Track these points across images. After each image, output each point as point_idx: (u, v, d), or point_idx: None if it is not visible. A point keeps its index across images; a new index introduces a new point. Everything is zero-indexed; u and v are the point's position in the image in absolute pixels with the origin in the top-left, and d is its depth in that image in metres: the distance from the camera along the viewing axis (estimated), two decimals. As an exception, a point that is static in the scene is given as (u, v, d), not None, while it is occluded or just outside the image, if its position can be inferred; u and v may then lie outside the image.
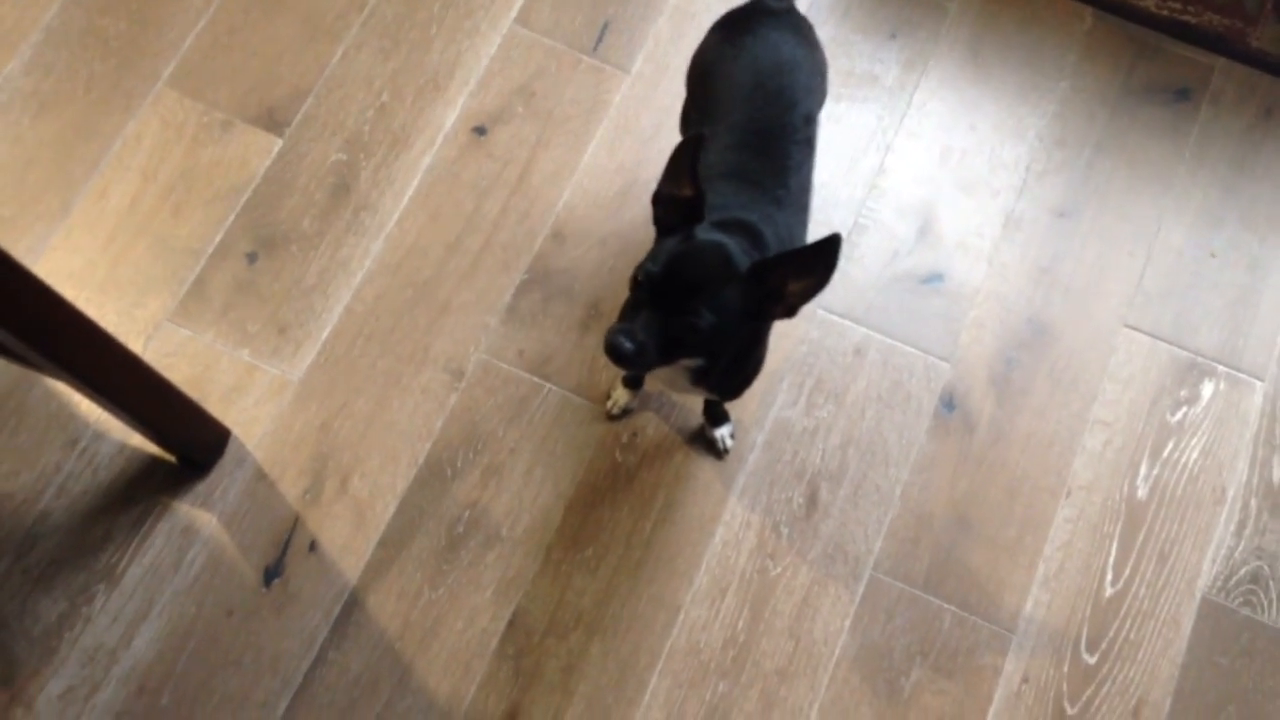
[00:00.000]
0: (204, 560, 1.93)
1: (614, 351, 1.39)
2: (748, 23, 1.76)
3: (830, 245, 1.36)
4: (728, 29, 1.78)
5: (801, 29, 1.78)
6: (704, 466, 2.04)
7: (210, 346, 2.08)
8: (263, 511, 1.97)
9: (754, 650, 1.93)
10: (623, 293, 2.11)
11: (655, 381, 1.72)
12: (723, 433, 2.02)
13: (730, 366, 1.62)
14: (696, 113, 1.81)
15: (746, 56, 1.72)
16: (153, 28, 2.30)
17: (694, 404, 2.05)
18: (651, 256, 1.44)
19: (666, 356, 1.43)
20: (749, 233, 1.55)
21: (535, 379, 2.08)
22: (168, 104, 2.24)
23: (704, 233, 1.45)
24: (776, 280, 1.42)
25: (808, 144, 1.72)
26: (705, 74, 1.79)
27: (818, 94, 1.78)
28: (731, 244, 1.44)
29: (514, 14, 2.35)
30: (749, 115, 1.68)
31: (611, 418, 2.05)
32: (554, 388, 2.07)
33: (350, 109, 2.26)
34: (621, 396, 2.02)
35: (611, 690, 1.90)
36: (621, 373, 1.99)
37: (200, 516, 1.96)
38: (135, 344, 2.06)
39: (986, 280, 2.18)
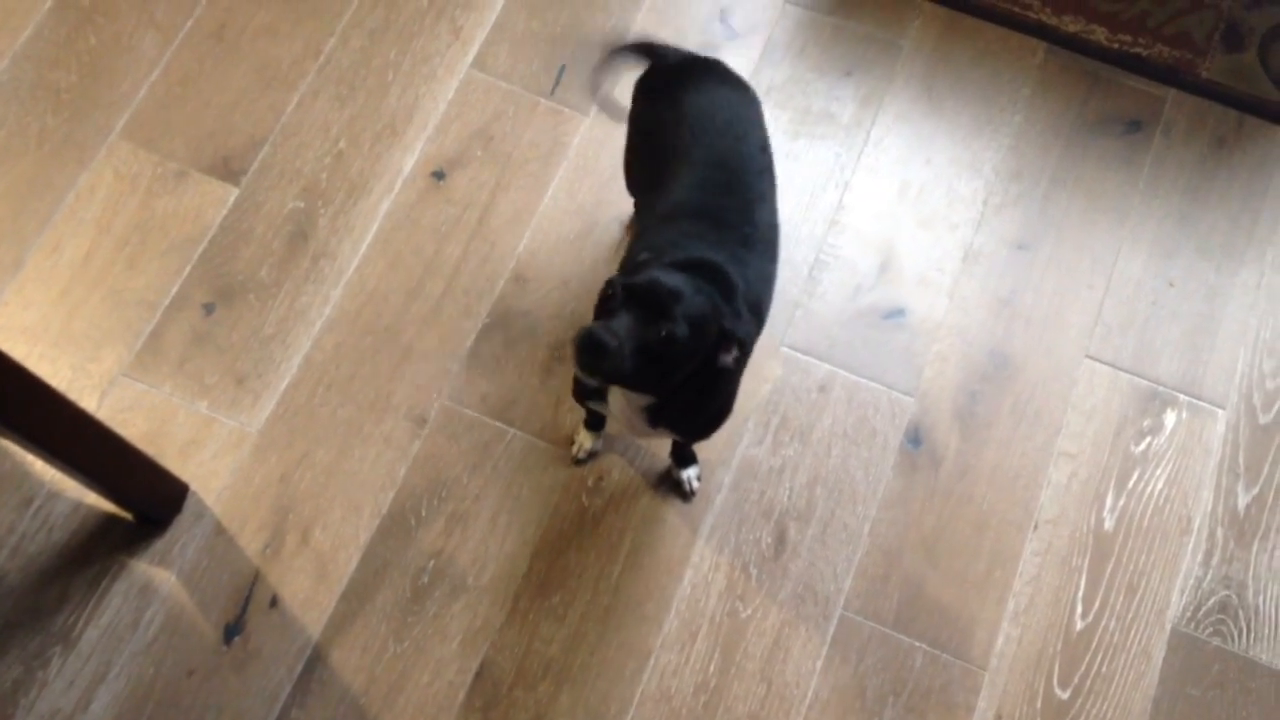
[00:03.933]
0: (162, 619, 1.89)
1: (589, 343, 1.37)
2: (672, 75, 1.80)
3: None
4: (656, 87, 1.81)
5: (718, 70, 1.82)
6: (671, 509, 2.02)
7: (167, 400, 2.05)
8: (222, 567, 1.93)
9: (726, 695, 1.91)
10: (585, 335, 2.11)
11: (615, 423, 1.71)
12: (689, 474, 2.00)
13: (691, 406, 1.61)
14: (650, 168, 1.81)
15: (685, 103, 1.74)
16: (104, 79, 2.28)
17: (660, 446, 2.04)
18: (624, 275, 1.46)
19: (636, 368, 1.41)
20: (715, 273, 1.55)
21: (499, 424, 2.06)
22: (121, 155, 2.22)
23: (665, 274, 1.45)
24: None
25: (768, 173, 1.73)
26: (650, 131, 1.80)
27: (760, 125, 1.80)
28: (690, 288, 1.45)
29: (470, 58, 2.35)
30: (706, 152, 1.69)
31: (577, 462, 2.03)
32: (518, 433, 2.05)
33: (307, 156, 2.24)
34: (586, 440, 2.01)
35: (582, 740, 1.87)
36: (583, 416, 1.97)
37: (158, 574, 1.92)
38: (90, 399, 2.03)
39: (948, 314, 2.19)
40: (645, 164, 1.83)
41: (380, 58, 2.34)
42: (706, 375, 1.53)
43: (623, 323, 1.40)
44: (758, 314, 1.66)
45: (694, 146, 1.70)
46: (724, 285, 1.56)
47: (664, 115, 1.76)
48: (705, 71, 1.80)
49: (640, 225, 1.77)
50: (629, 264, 1.67)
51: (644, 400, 1.54)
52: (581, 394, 1.75)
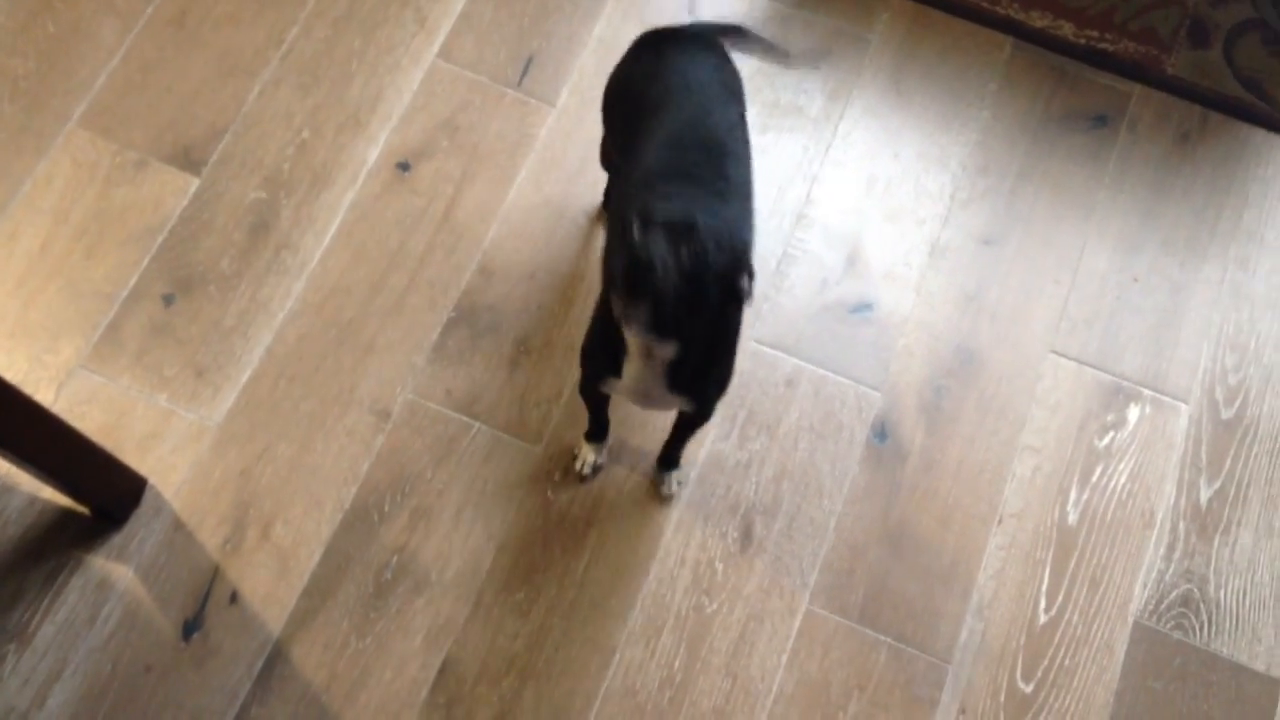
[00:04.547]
0: (120, 615, 1.87)
1: (640, 264, 1.34)
2: (665, 37, 1.81)
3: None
4: (646, 46, 1.81)
5: (713, 43, 1.82)
6: (637, 503, 2.01)
7: (125, 392, 2.02)
8: (181, 563, 1.91)
9: (691, 690, 1.90)
10: (554, 328, 2.10)
11: (631, 395, 1.66)
12: (672, 477, 2.00)
13: (704, 363, 1.58)
14: (621, 132, 1.81)
15: (667, 63, 1.76)
16: (62, 67, 2.24)
17: (627, 438, 2.03)
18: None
19: (678, 294, 1.37)
20: (688, 229, 1.54)
21: (464, 418, 2.04)
22: (79, 144, 2.18)
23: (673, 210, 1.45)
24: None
25: (735, 127, 1.73)
26: (628, 88, 1.80)
27: (735, 88, 1.80)
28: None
29: (436, 48, 2.32)
30: (680, 112, 1.69)
31: (582, 479, 2.01)
32: (483, 427, 2.04)
33: (269, 146, 2.22)
34: (589, 454, 1.99)
35: (546, 735, 1.86)
36: (584, 429, 1.97)
37: (115, 570, 1.89)
38: (47, 392, 2.00)
39: (914, 309, 2.19)
40: (620, 125, 1.82)
41: (344, 47, 2.31)
42: (721, 320, 1.51)
43: (658, 246, 1.36)
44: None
45: (668, 104, 1.71)
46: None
47: (642, 72, 1.77)
48: (693, 37, 1.81)
49: (617, 192, 1.77)
50: (611, 239, 1.68)
51: (666, 356, 1.50)
52: (594, 377, 1.71)
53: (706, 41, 1.81)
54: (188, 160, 2.19)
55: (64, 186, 2.15)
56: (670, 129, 1.68)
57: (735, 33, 1.90)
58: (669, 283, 1.36)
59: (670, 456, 1.97)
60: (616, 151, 1.83)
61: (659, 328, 1.43)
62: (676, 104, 1.70)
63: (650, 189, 1.62)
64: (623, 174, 1.75)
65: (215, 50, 2.28)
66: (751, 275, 1.47)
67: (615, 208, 1.77)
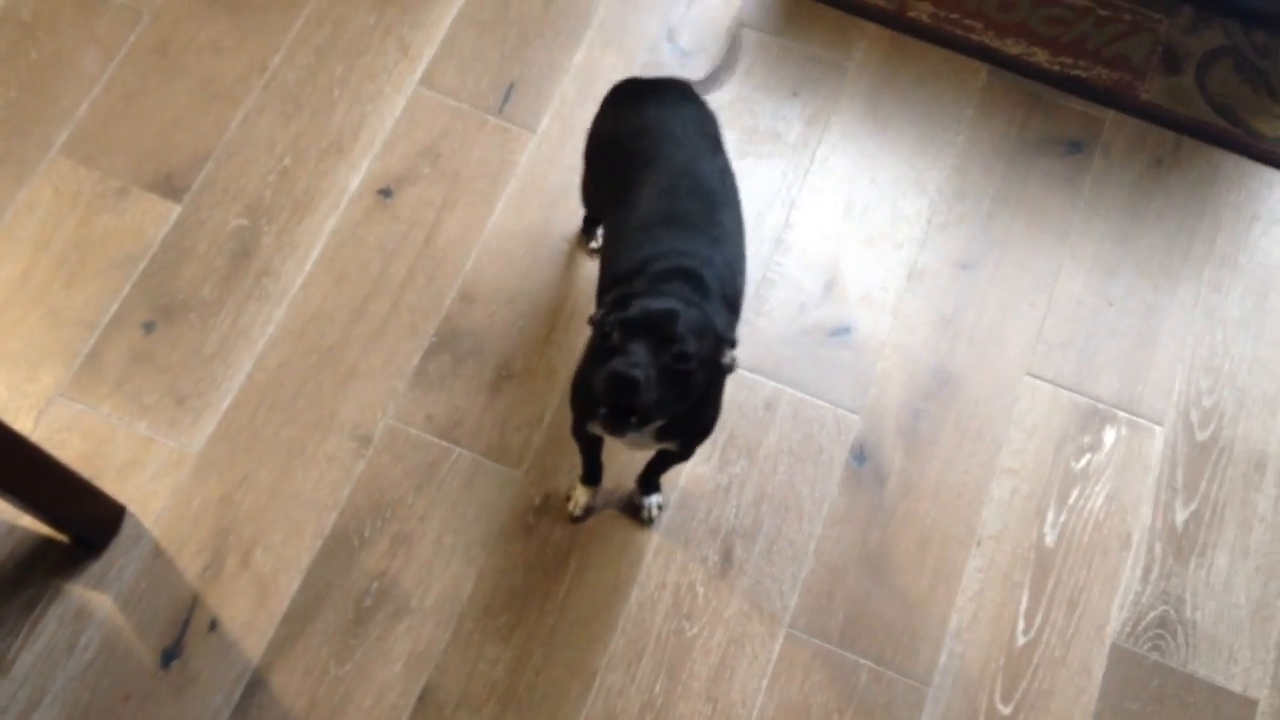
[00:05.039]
0: (99, 643, 1.86)
1: (619, 382, 1.39)
2: (643, 89, 1.87)
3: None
4: (623, 98, 1.87)
5: (680, 88, 1.88)
6: (618, 527, 2.02)
7: (105, 420, 2.02)
8: (160, 590, 1.90)
9: (671, 714, 1.90)
10: (535, 352, 2.11)
11: (620, 443, 1.68)
12: (652, 501, 2.01)
13: (694, 414, 1.63)
14: (611, 183, 1.84)
15: (651, 117, 1.80)
16: (45, 95, 2.25)
17: (607, 461, 2.03)
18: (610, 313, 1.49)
19: (661, 395, 1.43)
20: (691, 278, 1.60)
21: (445, 443, 2.05)
22: (61, 172, 2.19)
23: (653, 299, 1.50)
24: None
25: (725, 174, 1.79)
26: (613, 142, 1.84)
27: (716, 137, 1.86)
28: (679, 306, 1.49)
29: (418, 76, 2.34)
30: (670, 163, 1.74)
31: (574, 520, 2.02)
32: (464, 451, 2.05)
33: (251, 173, 2.23)
34: (582, 496, 2.00)
35: (527, 761, 1.86)
36: (565, 455, 1.99)
37: (95, 598, 1.89)
38: (26, 420, 2.00)
39: (892, 332, 2.21)
40: (609, 176, 1.85)
41: (327, 74, 2.33)
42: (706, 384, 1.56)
43: (638, 353, 1.41)
44: (735, 305, 1.71)
45: (657, 156, 1.75)
46: (700, 287, 1.60)
47: (629, 127, 1.81)
48: (667, 88, 1.86)
49: (611, 237, 1.80)
50: (606, 281, 1.72)
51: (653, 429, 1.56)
52: (584, 419, 1.75)
53: (683, 92, 1.86)
54: (169, 188, 2.20)
55: (45, 214, 2.16)
56: (663, 179, 1.73)
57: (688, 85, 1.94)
58: (651, 395, 1.41)
59: (650, 481, 1.98)
60: (606, 200, 1.86)
61: (643, 423, 1.48)
62: (666, 155, 1.75)
63: (649, 235, 1.67)
64: (615, 220, 1.79)
65: (198, 78, 2.30)
66: (733, 345, 1.55)
67: (607, 248, 1.80)
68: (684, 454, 1.84)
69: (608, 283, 1.71)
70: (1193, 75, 2.46)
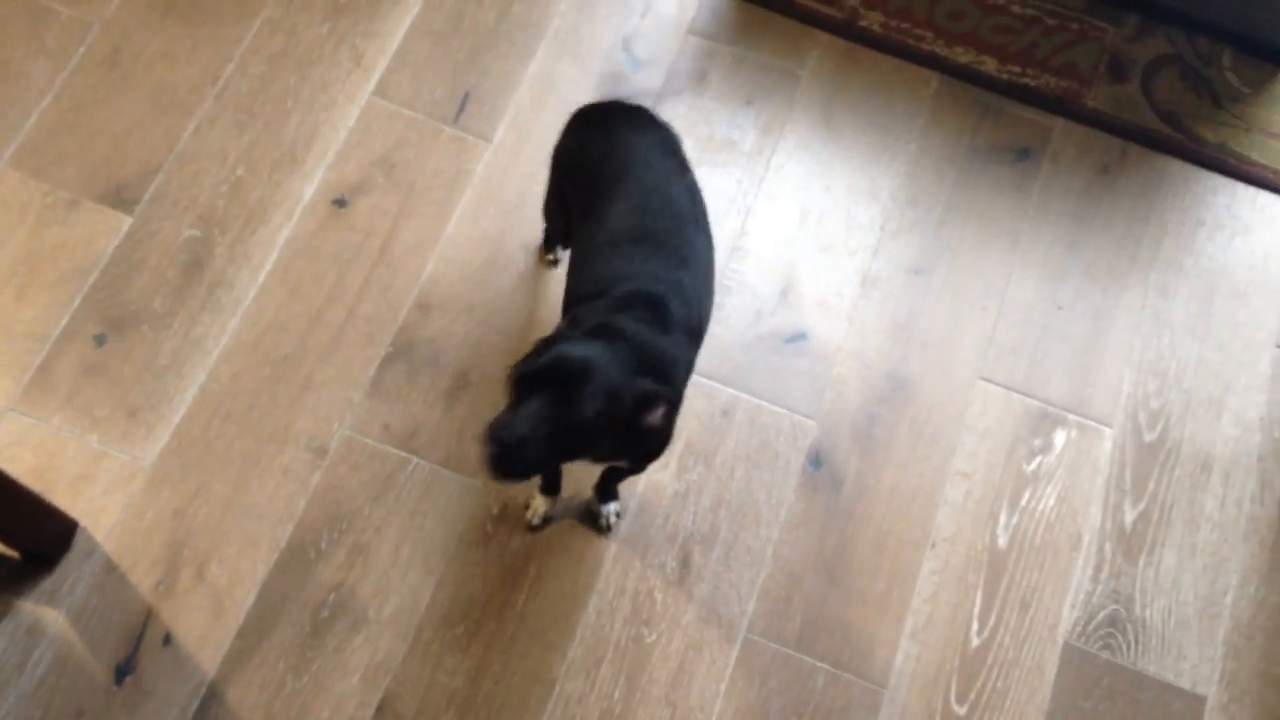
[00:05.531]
0: (51, 660, 1.84)
1: (492, 442, 1.37)
2: (609, 112, 1.88)
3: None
4: (588, 120, 1.87)
5: (644, 113, 1.88)
6: (576, 535, 2.03)
7: (56, 434, 2.00)
8: (113, 606, 1.89)
9: (630, 720, 1.91)
10: (493, 360, 2.12)
11: None
12: (609, 509, 2.02)
13: (632, 444, 1.60)
14: (579, 202, 1.83)
15: (620, 139, 1.81)
16: (-8, 106, 2.23)
17: (565, 469, 2.04)
18: (527, 360, 1.47)
19: (550, 453, 1.42)
20: (655, 305, 1.59)
21: (402, 453, 2.05)
22: (10, 185, 2.17)
23: (572, 347, 1.47)
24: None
25: (694, 194, 1.80)
26: (581, 163, 1.83)
27: (682, 157, 1.86)
28: (601, 358, 1.46)
29: (372, 86, 2.34)
30: (641, 182, 1.74)
31: (532, 529, 2.02)
32: (421, 461, 2.04)
33: (203, 184, 2.21)
34: (541, 505, 2.00)
35: (486, 771, 1.86)
36: (538, 481, 1.98)
37: (46, 614, 1.87)
38: (-25, 436, 1.98)
39: (847, 338, 2.23)
40: (575, 195, 1.84)
41: (280, 84, 2.32)
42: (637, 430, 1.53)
43: (530, 410, 1.39)
44: (698, 334, 1.72)
45: (627, 175, 1.75)
46: (662, 316, 1.60)
47: (596, 149, 1.81)
48: (632, 111, 1.87)
49: (578, 252, 1.79)
50: (571, 296, 1.71)
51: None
52: None
53: (647, 114, 1.87)
54: (120, 199, 2.19)
55: (-7, 227, 2.14)
56: (633, 196, 1.73)
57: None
58: (528, 456, 1.39)
59: (606, 490, 1.99)
60: (573, 217, 1.86)
61: (526, 477, 1.50)
62: (636, 174, 1.75)
63: (618, 253, 1.67)
64: (583, 234, 1.77)
65: (149, 88, 2.28)
66: (671, 401, 1.51)
67: (574, 262, 1.79)
68: (635, 470, 1.85)
69: (572, 299, 1.71)
70: (1138, 83, 2.51)
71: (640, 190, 1.74)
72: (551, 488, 1.98)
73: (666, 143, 1.84)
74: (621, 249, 1.67)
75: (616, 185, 1.75)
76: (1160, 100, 2.49)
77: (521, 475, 1.46)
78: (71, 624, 1.86)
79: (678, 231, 1.71)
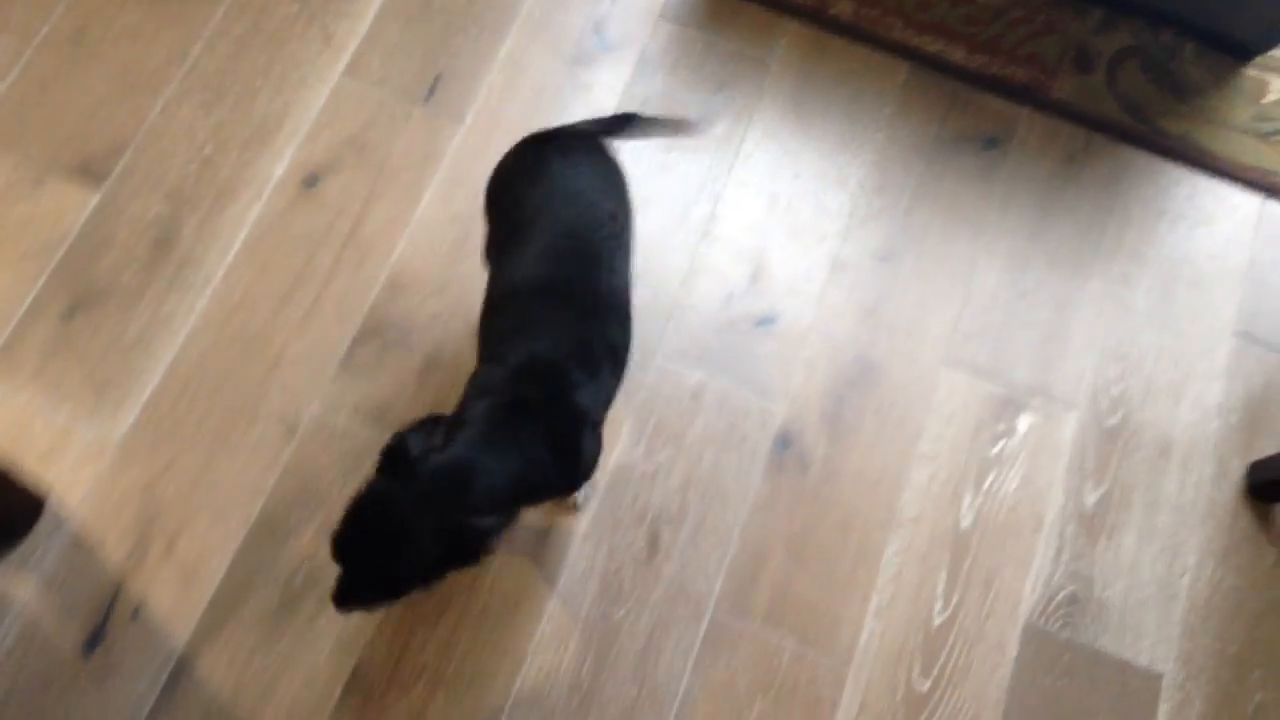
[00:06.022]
0: (18, 632, 1.83)
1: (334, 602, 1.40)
2: (549, 139, 1.77)
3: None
4: (529, 147, 1.77)
5: (586, 142, 1.79)
6: (546, 512, 2.04)
7: (24, 408, 1.98)
8: (82, 579, 1.88)
9: (599, 695, 1.93)
10: (464, 341, 2.12)
11: None
12: (579, 493, 2.01)
13: (559, 466, 1.56)
14: (496, 234, 1.76)
15: (548, 167, 1.71)
16: (-42, 79, 2.21)
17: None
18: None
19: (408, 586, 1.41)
20: (551, 377, 1.54)
21: (372, 430, 2.05)
22: (-24, 157, 2.15)
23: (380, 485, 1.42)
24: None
25: (616, 240, 1.69)
26: (507, 189, 1.76)
27: (616, 193, 1.76)
28: (397, 500, 1.40)
29: (343, 66, 2.34)
30: (557, 222, 1.66)
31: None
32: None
33: (172, 162, 2.21)
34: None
35: (455, 745, 1.87)
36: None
37: (13, 587, 1.86)
38: (-59, 408, 1.96)
39: (816, 321, 2.26)
40: (495, 228, 1.78)
41: (249, 63, 2.31)
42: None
43: (343, 581, 1.39)
44: (615, 374, 1.65)
45: (543, 212, 1.66)
46: (561, 387, 1.55)
47: (521, 181, 1.72)
48: (572, 139, 1.77)
49: (490, 293, 1.69)
50: (479, 343, 1.65)
51: None
52: None
53: (591, 144, 1.78)
54: (87, 175, 2.17)
55: (-41, 200, 2.12)
56: (545, 239, 1.64)
57: (626, 123, 1.88)
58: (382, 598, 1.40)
59: None
60: (493, 254, 1.78)
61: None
62: (554, 212, 1.66)
63: (519, 307, 1.60)
64: (493, 278, 1.71)
65: (115, 66, 2.27)
66: (488, 536, 1.43)
67: (484, 305, 1.70)
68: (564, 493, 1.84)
69: (481, 347, 1.65)
70: (1103, 74, 2.55)
71: (554, 230, 1.64)
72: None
73: (599, 174, 1.73)
74: (528, 301, 1.60)
75: (532, 224, 1.66)
76: (1124, 92, 2.53)
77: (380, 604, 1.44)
78: (39, 596, 1.85)
79: (586, 278, 1.62)
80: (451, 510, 1.40)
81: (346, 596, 1.39)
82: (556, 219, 1.65)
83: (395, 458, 1.43)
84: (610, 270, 1.66)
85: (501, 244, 1.71)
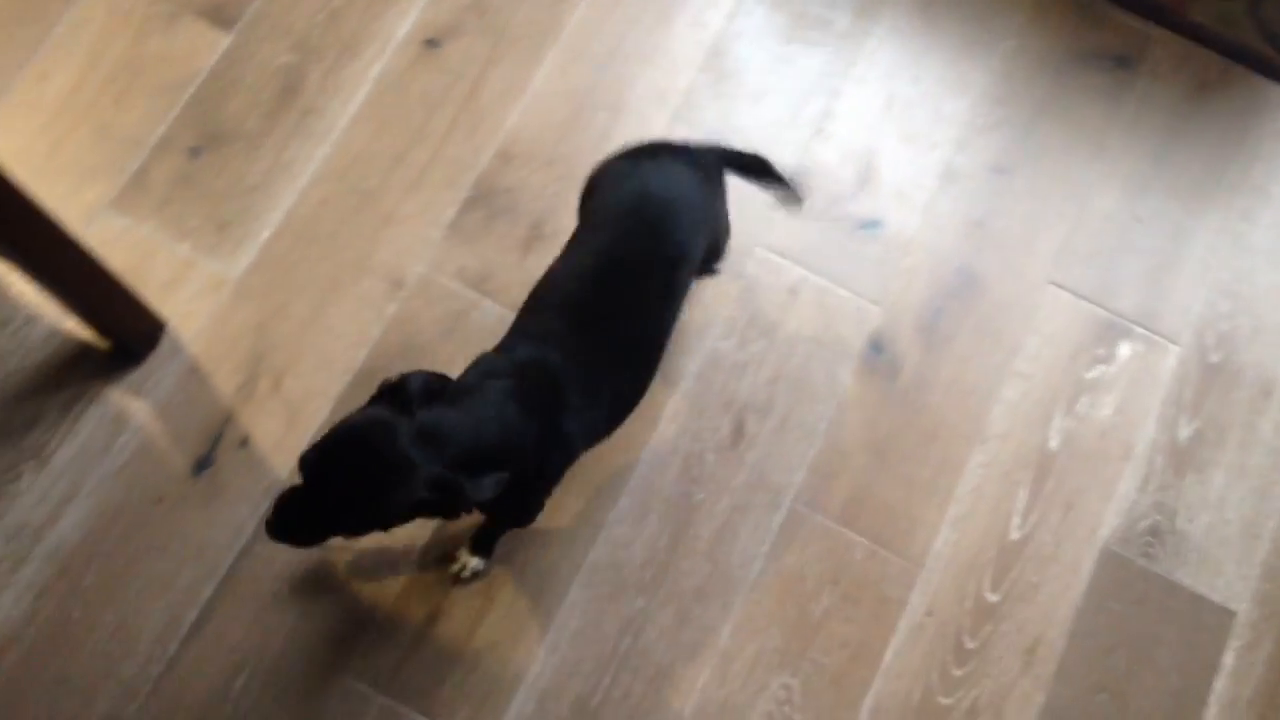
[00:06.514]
0: (135, 447, 1.93)
1: (268, 530, 1.40)
2: (654, 150, 1.69)
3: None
4: (632, 152, 1.70)
5: (709, 172, 1.71)
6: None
7: (149, 237, 2.06)
8: (195, 404, 1.97)
9: (672, 570, 1.98)
10: (568, 215, 2.14)
11: None
12: (474, 563, 1.88)
13: (505, 498, 1.47)
14: (578, 228, 1.69)
15: (637, 178, 1.63)
16: (103, -89, 2.25)
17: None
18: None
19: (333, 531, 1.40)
20: (542, 376, 1.51)
21: (474, 294, 2.09)
22: (114, -10, 2.20)
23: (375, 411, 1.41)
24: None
25: (668, 289, 1.61)
26: (594, 190, 1.70)
27: (703, 239, 1.67)
28: (399, 430, 1.37)
29: (474, -71, 2.33)
30: (611, 238, 1.59)
31: (460, 581, 1.91)
32: (492, 304, 2.09)
33: (301, 11, 2.24)
34: (470, 561, 1.88)
35: (531, 596, 1.94)
36: (469, 532, 1.87)
37: (132, 404, 1.95)
38: (74, 229, 2.03)
39: (921, 230, 2.24)
40: (579, 226, 1.70)
41: (384, -81, 2.32)
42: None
43: (299, 499, 1.37)
44: (593, 432, 1.62)
45: (604, 226, 1.61)
46: (553, 391, 1.51)
47: (613, 175, 1.66)
48: (686, 156, 1.68)
49: (544, 277, 1.64)
50: (520, 314, 1.63)
51: None
52: None
53: (700, 164, 1.68)
54: (219, 17, 2.21)
55: (97, 32, 2.17)
56: (597, 255, 1.58)
57: (755, 165, 1.82)
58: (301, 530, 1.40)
59: (479, 540, 1.87)
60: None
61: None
62: (612, 229, 1.59)
63: (552, 305, 1.58)
64: (561, 260, 1.64)
65: (255, -90, 2.29)
66: (454, 489, 1.37)
67: (540, 281, 1.65)
68: (501, 528, 1.84)
69: (520, 315, 1.63)
70: (1247, 1, 2.45)
71: (611, 254, 1.57)
72: (484, 548, 1.88)
73: (696, 205, 1.63)
74: (558, 308, 1.56)
75: (595, 233, 1.60)
76: (1269, 21, 2.44)
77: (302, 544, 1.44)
78: (155, 416, 1.95)
79: (624, 317, 1.57)
80: (444, 461, 1.37)
81: (294, 523, 1.37)
82: (618, 243, 1.59)
83: (395, 393, 1.42)
84: (647, 316, 1.60)
85: (574, 240, 1.66)
